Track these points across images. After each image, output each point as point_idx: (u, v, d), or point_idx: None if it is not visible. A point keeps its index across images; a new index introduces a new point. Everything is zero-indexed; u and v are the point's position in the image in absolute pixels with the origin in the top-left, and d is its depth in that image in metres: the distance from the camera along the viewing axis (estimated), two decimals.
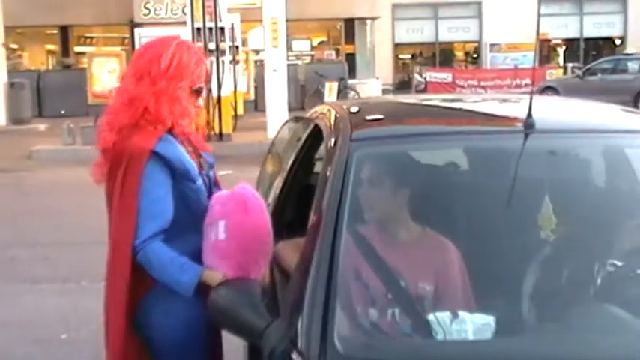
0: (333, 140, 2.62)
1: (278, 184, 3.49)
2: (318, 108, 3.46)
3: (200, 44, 13.79)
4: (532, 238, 2.33)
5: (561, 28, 29.53)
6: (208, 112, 13.97)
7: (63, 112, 20.37)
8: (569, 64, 27.11)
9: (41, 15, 24.79)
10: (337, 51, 27.20)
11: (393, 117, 2.92)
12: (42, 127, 19.03)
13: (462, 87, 24.70)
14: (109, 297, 2.50)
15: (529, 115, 2.35)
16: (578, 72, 23.00)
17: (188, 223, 2.50)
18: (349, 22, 26.47)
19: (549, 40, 29.81)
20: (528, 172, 2.40)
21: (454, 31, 29.68)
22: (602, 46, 30.04)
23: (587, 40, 29.87)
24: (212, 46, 13.99)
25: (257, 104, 20.14)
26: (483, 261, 2.31)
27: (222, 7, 14.19)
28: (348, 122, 2.66)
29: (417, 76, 25.81)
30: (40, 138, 16.23)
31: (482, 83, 24.72)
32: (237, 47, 16.55)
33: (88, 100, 20.17)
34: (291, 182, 3.36)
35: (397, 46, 29.96)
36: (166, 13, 24.42)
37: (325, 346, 1.92)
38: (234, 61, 15.73)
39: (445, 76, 25.37)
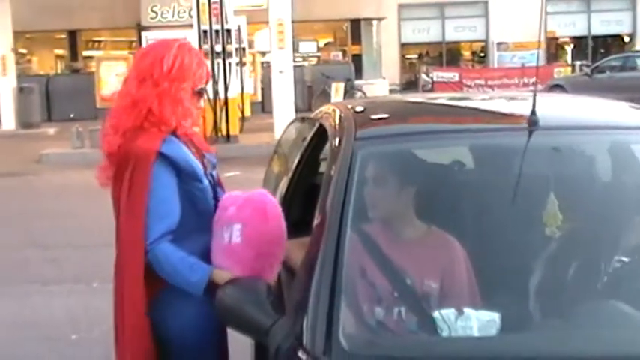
0: (337, 139, 2.64)
1: (284, 184, 3.51)
2: (323, 108, 3.47)
3: (207, 47, 13.86)
4: (537, 235, 2.33)
5: (569, 26, 29.46)
6: (215, 114, 14.02)
7: (72, 115, 20.45)
8: (578, 62, 27.02)
9: (49, 20, 24.90)
10: (344, 52, 27.20)
11: (397, 116, 2.94)
12: (51, 131, 19.12)
13: (469, 86, 24.66)
14: (124, 298, 2.51)
15: (533, 112, 2.36)
16: (587, 70, 22.92)
17: (195, 223, 2.52)
18: (355, 23, 26.47)
19: (557, 39, 29.75)
20: (533, 169, 2.40)
21: (461, 30, 29.64)
22: (611, 43, 29.92)
23: (595, 37, 29.77)
24: (219, 48, 14.02)
25: (264, 106, 20.17)
26: (488, 258, 2.31)
27: (228, 9, 14.22)
28: (352, 121, 2.68)
29: (423, 76, 25.77)
30: (49, 142, 16.32)
31: (490, 82, 24.67)
32: (243, 49, 16.60)
33: (97, 104, 20.25)
34: (296, 182, 3.38)
35: (404, 46, 29.94)
36: (173, 16, 24.49)
37: (330, 343, 1.93)
38: (241, 63, 15.78)
39: (452, 75, 25.34)
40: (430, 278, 2.29)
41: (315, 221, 2.35)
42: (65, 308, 5.66)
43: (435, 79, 25.11)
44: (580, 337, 2.04)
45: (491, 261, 2.30)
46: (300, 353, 1.95)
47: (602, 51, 28.90)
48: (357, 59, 25.48)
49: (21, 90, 19.44)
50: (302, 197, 3.29)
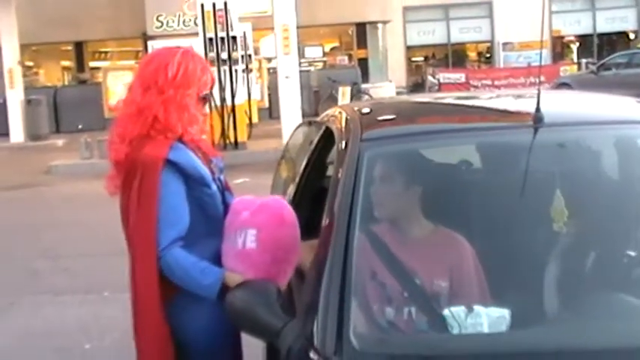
0: (344, 142, 2.65)
1: (292, 187, 3.52)
2: (330, 111, 3.49)
3: (212, 54, 13.91)
4: (545, 231, 2.34)
5: (574, 24, 29.41)
6: (223, 121, 14.05)
7: (80, 126, 20.53)
8: (583, 60, 26.97)
9: (55, 32, 25.03)
10: (349, 56, 27.22)
11: (403, 116, 2.95)
12: (60, 142, 19.21)
13: (476, 87, 24.64)
14: (141, 306, 2.52)
15: (537, 109, 2.37)
16: (593, 68, 22.85)
17: (205, 228, 2.54)
18: (361, 27, 26.49)
19: (562, 37, 29.70)
20: (538, 166, 2.41)
21: (466, 31, 29.63)
22: (616, 40, 29.84)
23: (600, 35, 29.71)
24: (225, 55, 14.07)
25: (271, 112, 20.20)
26: (497, 255, 2.32)
27: (233, 16, 14.26)
28: (358, 123, 2.69)
29: (430, 77, 25.77)
30: (58, 153, 16.40)
31: (496, 82, 24.65)
32: (249, 56, 16.65)
33: (105, 114, 20.32)
34: (304, 185, 3.39)
35: (409, 49, 29.95)
36: (179, 25, 24.57)
37: (341, 343, 1.94)
38: (247, 70, 15.82)
39: (458, 76, 25.33)
40: (439, 277, 2.29)
41: (324, 223, 2.36)
42: (77, 318, 5.68)
43: (441, 80, 25.09)
44: (590, 331, 2.04)
45: (500, 258, 2.30)
46: (311, 354, 1.95)
47: (608, 48, 28.81)
48: (363, 63, 25.50)
49: (29, 102, 19.55)
50: (310, 200, 3.30)
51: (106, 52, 28.43)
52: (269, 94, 20.85)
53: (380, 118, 2.81)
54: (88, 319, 5.61)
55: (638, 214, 2.49)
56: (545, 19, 27.16)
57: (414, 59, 30.47)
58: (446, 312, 2.11)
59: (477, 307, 2.10)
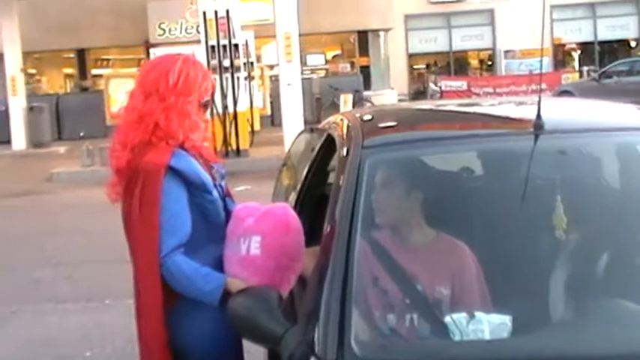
0: (345, 148, 2.65)
1: (293, 194, 3.52)
2: (331, 118, 3.49)
3: (215, 62, 13.94)
4: (546, 238, 2.34)
5: (575, 32, 29.47)
6: (225, 128, 14.07)
7: (82, 134, 20.55)
8: (585, 68, 27.00)
9: (57, 39, 25.08)
10: (352, 63, 27.24)
11: (404, 123, 2.95)
12: (61, 149, 19.23)
13: (478, 94, 24.65)
14: (144, 312, 2.52)
15: (538, 116, 2.37)
16: (594, 75, 22.89)
17: (206, 234, 2.54)
18: (362, 35, 26.51)
19: (564, 45, 29.74)
20: (539, 173, 2.41)
21: (467, 39, 29.69)
22: (618, 48, 29.89)
23: (601, 43, 29.76)
24: (227, 63, 14.10)
25: (273, 119, 20.22)
26: (498, 262, 2.32)
27: (235, 24, 14.30)
28: (359, 130, 2.70)
29: (432, 85, 25.81)
30: (60, 160, 16.43)
31: (498, 90, 24.66)
32: (252, 63, 16.65)
33: (107, 122, 20.34)
34: (305, 192, 3.39)
35: (411, 57, 30.01)
36: (181, 33, 24.62)
37: (342, 350, 1.94)
38: (250, 77, 15.83)
39: (460, 84, 25.35)
40: (441, 284, 2.29)
41: (325, 230, 2.36)
42: (79, 326, 5.68)
43: (443, 88, 25.12)
44: (592, 337, 2.04)
45: (501, 264, 2.30)
46: None
47: (609, 56, 28.85)
48: (365, 71, 25.53)
49: (31, 110, 19.59)
50: (311, 207, 3.31)
51: (108, 60, 28.47)
52: (271, 102, 20.87)
53: (381, 125, 2.82)
54: (89, 326, 5.61)
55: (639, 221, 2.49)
56: (547, 27, 27.22)
57: (415, 67, 30.53)
58: (447, 319, 2.11)
59: (479, 314, 2.10)
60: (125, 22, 25.05)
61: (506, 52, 28.61)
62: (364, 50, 26.71)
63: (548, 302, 2.16)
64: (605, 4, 28.98)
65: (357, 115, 3.05)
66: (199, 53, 13.27)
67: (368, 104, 18.89)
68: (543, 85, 22.53)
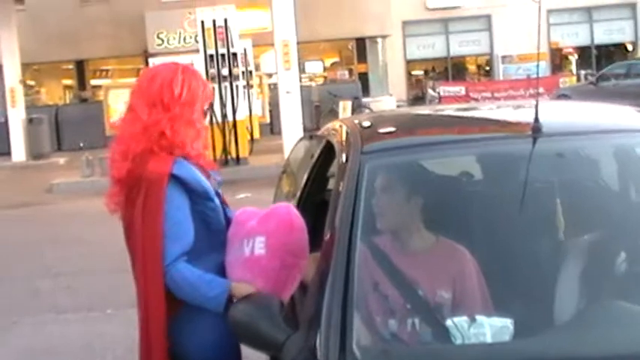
0: (344, 155, 2.66)
1: (293, 201, 3.53)
2: (330, 124, 3.50)
3: (213, 71, 13.96)
4: (545, 240, 2.34)
5: (572, 36, 29.53)
6: (225, 136, 14.08)
7: (82, 144, 20.56)
8: (582, 72, 27.04)
9: (56, 50, 25.14)
10: (350, 70, 27.30)
11: (403, 128, 2.96)
12: (61, 160, 19.24)
13: (476, 99, 24.65)
14: (147, 320, 2.52)
15: (536, 118, 2.38)
16: (592, 79, 22.91)
17: (208, 242, 2.54)
18: (360, 42, 26.58)
19: (561, 49, 29.79)
20: (538, 176, 2.42)
21: (465, 44, 29.74)
22: (614, 52, 29.94)
23: (598, 47, 29.81)
24: (225, 71, 14.12)
25: (273, 127, 20.23)
26: (499, 265, 2.32)
27: (233, 33, 14.32)
28: (358, 136, 2.70)
29: (430, 91, 25.82)
30: (59, 171, 16.43)
31: (496, 95, 24.67)
32: (250, 72, 16.68)
33: (106, 132, 20.35)
34: (305, 198, 3.40)
35: (409, 63, 30.05)
36: (179, 42, 24.68)
37: (344, 355, 1.95)
38: (248, 86, 15.85)
39: (458, 89, 25.37)
40: (442, 288, 2.30)
41: (325, 235, 2.37)
42: (80, 336, 5.67)
43: (441, 93, 25.13)
44: (593, 339, 2.04)
45: (502, 268, 2.31)
46: None
47: (606, 60, 28.90)
48: (364, 77, 25.58)
49: (30, 121, 19.60)
50: (311, 213, 3.31)
51: (107, 70, 28.52)
52: (270, 110, 20.88)
53: (380, 130, 2.83)
54: (90, 336, 5.60)
55: (638, 222, 2.49)
56: (543, 32, 27.28)
57: (414, 73, 30.57)
58: (449, 323, 2.11)
59: (480, 318, 2.10)
60: (123, 33, 25.10)
61: (504, 57, 28.65)
62: (362, 57, 26.76)
63: (549, 305, 2.17)
64: (602, 8, 29.05)
65: (356, 121, 3.06)
66: (198, 62, 13.29)
67: (367, 111, 18.90)
68: (541, 89, 22.61)
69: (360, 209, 2.31)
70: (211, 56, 14.16)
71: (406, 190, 2.46)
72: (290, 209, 2.62)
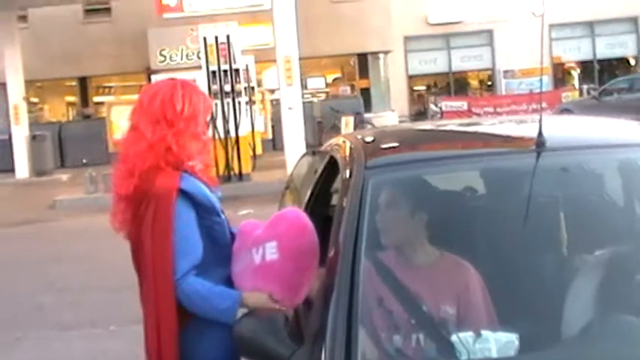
0: (348, 170, 2.66)
1: None
2: (334, 140, 3.51)
3: (216, 87, 14.00)
4: (550, 255, 2.34)
5: (574, 50, 29.60)
6: (227, 152, 14.10)
7: (85, 161, 20.62)
8: (585, 86, 27.08)
9: (59, 68, 25.25)
10: (352, 86, 27.36)
11: (406, 143, 2.96)
12: (64, 177, 19.27)
13: (479, 114, 24.66)
14: (160, 336, 2.50)
15: (540, 133, 2.38)
16: (594, 93, 22.94)
17: (214, 256, 2.54)
18: (362, 57, 26.66)
19: (563, 64, 29.85)
20: (542, 190, 2.42)
21: (467, 59, 29.80)
22: (617, 66, 29.99)
23: (600, 61, 29.87)
24: (228, 88, 14.15)
25: (275, 143, 20.27)
26: (503, 280, 2.32)
27: (236, 49, 14.38)
28: (362, 151, 2.71)
29: (432, 106, 25.86)
30: (62, 188, 16.45)
31: (499, 109, 24.69)
32: (252, 88, 16.73)
33: (109, 149, 20.41)
34: (309, 214, 3.38)
35: (411, 78, 30.12)
36: (182, 59, 24.78)
37: None
38: (251, 102, 15.89)
39: (460, 104, 25.39)
40: (446, 303, 2.29)
41: (329, 251, 2.37)
42: (83, 352, 5.66)
43: (443, 109, 25.15)
44: (598, 355, 2.04)
45: (506, 282, 2.30)
46: None
47: (609, 74, 28.94)
48: (366, 93, 25.63)
49: (34, 138, 19.65)
50: (315, 229, 3.30)
51: (110, 87, 28.63)
52: (272, 126, 20.95)
53: (384, 145, 2.83)
54: (94, 353, 5.59)
55: None
56: (545, 46, 27.34)
57: (416, 88, 30.63)
58: (454, 338, 2.10)
59: (485, 333, 2.10)
60: (126, 50, 25.22)
61: (506, 71, 28.71)
62: (364, 73, 26.83)
63: (554, 319, 2.16)
64: (604, 23, 29.12)
65: (359, 136, 3.07)
66: (200, 79, 13.33)
67: (369, 126, 18.93)
68: (544, 104, 22.61)
69: (364, 224, 2.31)
70: (214, 72, 14.21)
71: (410, 205, 2.46)
72: (299, 212, 2.64)
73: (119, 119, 20.93)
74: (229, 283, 2.55)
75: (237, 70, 14.36)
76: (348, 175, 2.62)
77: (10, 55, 19.99)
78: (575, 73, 30.37)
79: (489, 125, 3.69)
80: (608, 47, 29.61)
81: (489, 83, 30.39)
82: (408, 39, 29.08)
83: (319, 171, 3.46)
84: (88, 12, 25.82)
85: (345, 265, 2.19)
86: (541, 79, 14.85)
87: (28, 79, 21.13)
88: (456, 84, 30.11)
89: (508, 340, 2.06)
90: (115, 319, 6.11)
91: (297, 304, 2.49)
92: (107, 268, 7.62)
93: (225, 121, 14.05)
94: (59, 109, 28.58)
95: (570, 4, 26.76)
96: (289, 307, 2.50)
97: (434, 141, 3.06)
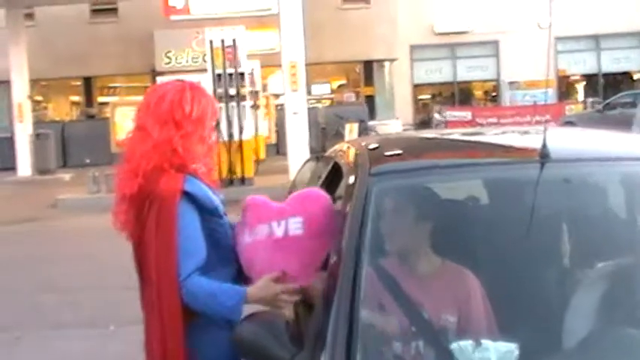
0: (352, 176, 2.67)
1: None
2: (338, 146, 3.52)
3: (221, 90, 14.03)
4: (552, 266, 2.34)
5: (579, 64, 29.62)
6: (230, 156, 14.12)
7: (87, 161, 20.65)
8: (589, 100, 27.09)
9: (65, 67, 25.31)
10: (357, 93, 27.40)
11: (411, 151, 2.97)
12: (67, 176, 19.30)
13: (482, 125, 24.69)
14: (165, 337, 2.50)
15: (544, 144, 2.39)
16: (598, 107, 22.96)
17: (216, 258, 2.55)
18: (368, 65, 26.71)
19: (568, 77, 29.87)
20: (545, 201, 2.42)
21: (472, 70, 29.84)
22: (621, 80, 30.01)
23: (605, 75, 29.89)
24: (233, 91, 14.18)
25: (279, 148, 20.29)
26: (504, 289, 2.32)
27: (241, 53, 14.41)
28: (366, 157, 2.72)
29: (436, 115, 25.88)
30: (65, 187, 16.48)
31: (502, 120, 24.71)
32: (257, 92, 16.76)
33: (112, 149, 20.41)
34: None
35: (416, 87, 30.15)
36: (187, 61, 24.83)
37: None
38: (255, 106, 15.92)
39: (465, 114, 25.42)
40: (447, 311, 2.30)
41: (332, 256, 2.37)
42: (83, 352, 5.67)
43: (448, 118, 25.18)
44: None
45: (507, 292, 2.30)
46: None
47: (613, 88, 28.95)
48: (370, 100, 25.67)
49: (37, 136, 19.70)
50: None
51: (114, 88, 28.69)
52: (276, 131, 20.95)
53: (388, 152, 2.84)
54: (93, 352, 5.60)
55: None
56: (551, 59, 27.37)
57: (420, 97, 30.65)
58: (454, 346, 2.11)
59: (485, 342, 2.10)
60: (132, 51, 25.28)
61: (511, 83, 28.73)
62: (369, 80, 26.88)
63: (554, 330, 2.16)
64: (609, 37, 29.14)
65: (364, 143, 3.07)
66: (206, 82, 13.36)
67: (373, 134, 18.93)
68: (547, 117, 22.64)
69: (367, 230, 2.32)
70: (219, 76, 14.24)
71: (414, 213, 2.46)
72: (323, 193, 2.64)
73: (123, 120, 20.89)
74: (232, 283, 2.55)
75: (242, 74, 14.40)
76: (352, 182, 2.62)
77: (16, 54, 20.08)
78: (580, 87, 30.40)
79: (493, 135, 3.70)
80: (613, 61, 29.65)
81: (494, 94, 30.41)
82: (413, 48, 29.11)
83: (322, 177, 3.47)
84: (95, 12, 25.91)
85: (348, 271, 2.19)
86: (546, 91, 14.84)
87: (33, 77, 21.21)
88: (460, 94, 30.14)
89: (508, 349, 2.07)
90: (114, 319, 6.12)
91: (310, 283, 2.48)
92: (107, 268, 7.63)
93: (229, 124, 14.07)
94: (63, 109, 28.65)
95: (576, 17, 26.78)
96: (303, 284, 2.48)
97: (438, 149, 3.07)
